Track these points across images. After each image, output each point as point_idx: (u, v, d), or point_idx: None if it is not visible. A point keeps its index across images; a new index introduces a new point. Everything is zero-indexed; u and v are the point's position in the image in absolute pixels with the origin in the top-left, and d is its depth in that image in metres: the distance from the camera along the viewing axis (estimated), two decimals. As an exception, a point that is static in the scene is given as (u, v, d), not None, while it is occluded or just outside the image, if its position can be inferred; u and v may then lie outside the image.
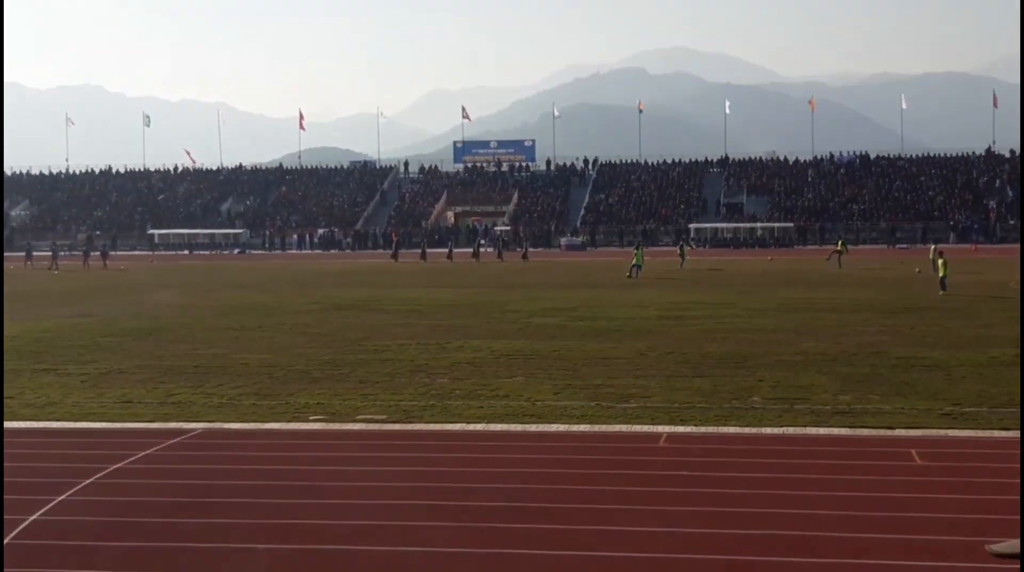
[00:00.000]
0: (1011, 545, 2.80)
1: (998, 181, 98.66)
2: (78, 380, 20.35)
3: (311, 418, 16.44)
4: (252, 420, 16.32)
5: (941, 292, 36.90)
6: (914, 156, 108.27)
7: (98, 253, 73.04)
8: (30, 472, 13.20)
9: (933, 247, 49.08)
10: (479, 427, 15.58)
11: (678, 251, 63.60)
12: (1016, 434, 14.60)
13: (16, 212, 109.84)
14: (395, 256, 73.10)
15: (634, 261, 51.25)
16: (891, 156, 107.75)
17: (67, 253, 76.26)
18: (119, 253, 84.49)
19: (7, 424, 16.25)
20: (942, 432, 14.78)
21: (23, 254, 74.53)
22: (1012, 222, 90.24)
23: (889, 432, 14.83)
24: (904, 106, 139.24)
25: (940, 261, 39.42)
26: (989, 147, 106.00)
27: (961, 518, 10.69)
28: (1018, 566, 2.81)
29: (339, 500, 11.90)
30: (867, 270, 52.38)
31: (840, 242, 63.77)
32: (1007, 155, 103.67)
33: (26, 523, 11.14)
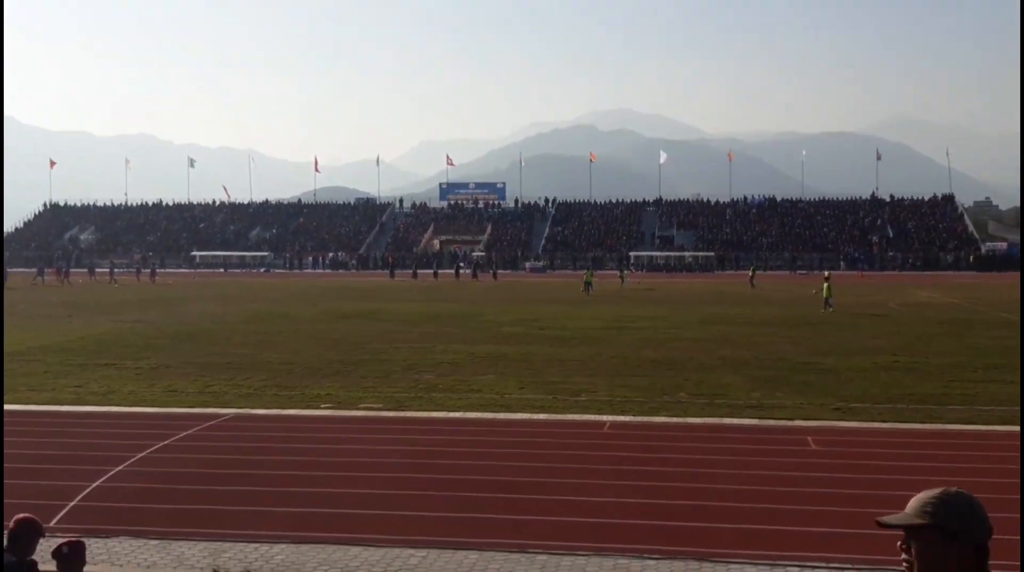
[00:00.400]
0: (899, 517, 2.73)
1: (879, 220, 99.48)
2: (133, 373, 20.30)
3: (322, 406, 16.42)
4: (274, 407, 16.31)
5: (824, 309, 37.04)
6: (812, 200, 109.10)
7: (148, 270, 72.58)
8: (94, 447, 13.26)
9: (826, 273, 49.47)
10: (457, 415, 15.59)
11: (619, 274, 63.96)
12: (893, 425, 14.72)
13: (84, 236, 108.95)
14: (392, 275, 73.12)
15: (586, 279, 51.69)
16: (793, 199, 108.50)
17: (124, 270, 75.52)
18: (166, 271, 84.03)
19: (78, 407, 16.22)
20: (833, 423, 14.87)
21: (87, 270, 74.15)
22: (891, 254, 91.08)
23: (790, 422, 14.91)
24: (804, 159, 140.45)
25: (825, 285, 39.72)
26: (873, 193, 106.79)
27: (847, 492, 10.76)
28: (896, 534, 2.77)
29: (343, 472, 11.93)
30: (774, 291, 52.70)
31: (752, 268, 64.42)
32: (887, 199, 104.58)
33: (89, 489, 11.14)
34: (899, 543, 2.70)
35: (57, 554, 6.07)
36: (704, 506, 10.30)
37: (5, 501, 9.80)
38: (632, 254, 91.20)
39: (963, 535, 2.64)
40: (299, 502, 10.60)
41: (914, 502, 2.74)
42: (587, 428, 14.59)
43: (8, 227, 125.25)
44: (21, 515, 6.07)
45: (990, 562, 2.68)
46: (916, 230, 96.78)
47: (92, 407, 16.36)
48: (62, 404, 16.60)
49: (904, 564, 2.71)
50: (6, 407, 16.34)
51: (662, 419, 15.22)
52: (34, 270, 69.87)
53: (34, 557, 6.12)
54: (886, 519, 2.74)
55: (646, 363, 21.71)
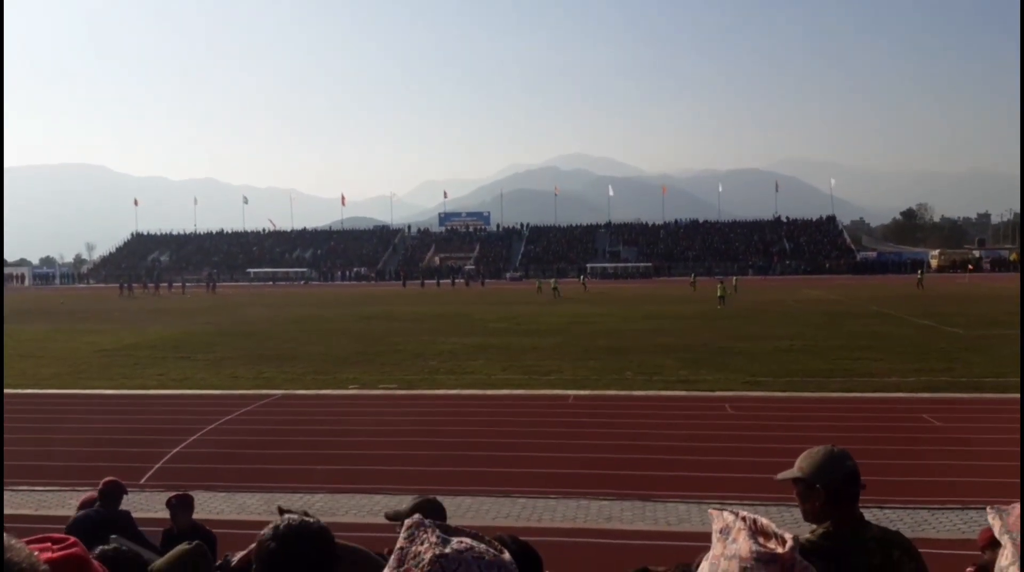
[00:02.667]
0: (785, 473, 2.76)
1: (778, 237, 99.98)
2: (203, 363, 20.16)
3: (350, 386, 16.34)
4: (313, 388, 16.21)
5: (718, 306, 37.18)
6: (726, 222, 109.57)
7: (211, 284, 72.11)
8: (173, 422, 13.14)
9: (720, 279, 49.59)
10: (455, 392, 15.54)
11: (580, 281, 63.89)
12: (791, 394, 14.79)
13: (162, 258, 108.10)
14: (404, 285, 72.86)
15: (552, 285, 51.93)
16: (712, 221, 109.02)
17: (194, 284, 74.92)
18: (227, 284, 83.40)
19: (161, 391, 16.08)
20: (745, 393, 14.93)
21: (167, 284, 73.84)
22: (787, 262, 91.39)
23: (711, 393, 14.95)
24: (720, 190, 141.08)
25: (720, 286, 40.13)
26: (774, 216, 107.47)
27: (756, 447, 10.82)
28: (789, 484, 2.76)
29: (367, 437, 11.86)
30: (698, 293, 52.88)
31: (693, 275, 63.48)
32: (784, 221, 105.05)
33: (171, 454, 11.05)
34: (795, 491, 2.77)
35: (168, 505, 6.05)
36: (646, 459, 10.33)
37: (106, 465, 9.74)
38: (588, 266, 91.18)
39: (821, 483, 2.70)
40: (333, 461, 10.56)
41: (798, 459, 2.81)
42: (555, 401, 14.58)
43: (103, 252, 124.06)
44: (107, 478, 6.03)
45: (859, 501, 2.71)
46: (807, 244, 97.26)
47: (172, 390, 16.26)
48: (148, 389, 16.48)
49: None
50: (108, 390, 16.26)
51: (613, 392, 15.25)
52: (121, 285, 69.36)
53: (124, 508, 6.06)
54: (779, 475, 2.81)
55: (600, 349, 21.72)
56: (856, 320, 29.85)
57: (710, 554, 1.23)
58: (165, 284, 74.75)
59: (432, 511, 3.75)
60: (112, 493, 5.87)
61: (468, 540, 1.25)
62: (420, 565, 1.19)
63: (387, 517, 3.80)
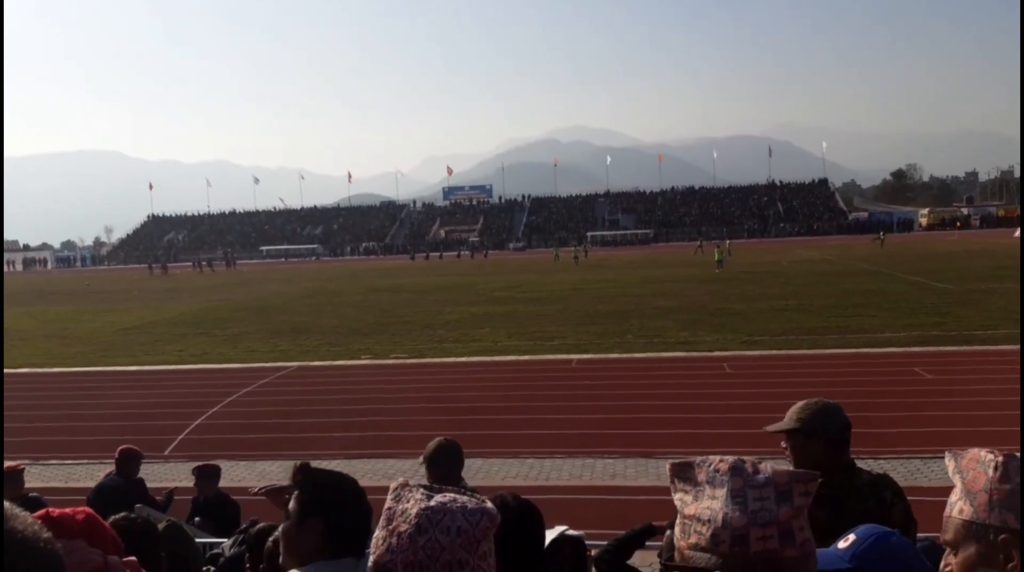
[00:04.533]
0: (777, 425, 2.76)
1: (772, 201, 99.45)
2: (221, 338, 20.21)
3: (363, 357, 16.36)
4: (327, 359, 16.25)
5: (716, 270, 36.98)
6: (722, 187, 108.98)
7: (226, 261, 72.18)
8: (195, 394, 13.22)
9: (717, 243, 49.46)
10: (463, 359, 15.56)
11: (582, 249, 63.86)
12: (786, 352, 14.77)
13: (178, 238, 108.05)
14: (412, 258, 72.79)
15: (576, 254, 52.08)
16: (708, 187, 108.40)
17: (208, 262, 74.87)
18: (243, 262, 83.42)
19: (181, 366, 16.14)
20: (742, 353, 14.91)
21: (183, 263, 73.88)
22: (781, 225, 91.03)
23: (710, 353, 14.94)
24: (715, 157, 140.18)
25: (717, 250, 40.00)
26: (767, 180, 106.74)
27: (753, 403, 10.82)
28: (781, 439, 2.76)
29: (380, 405, 11.90)
30: (698, 258, 52.75)
31: (700, 242, 61.97)
32: (777, 185, 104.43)
33: (193, 425, 11.12)
34: (781, 443, 2.79)
35: (194, 474, 6.08)
36: (649, 418, 10.35)
37: (131, 437, 9.80)
38: (589, 234, 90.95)
39: (819, 432, 2.73)
40: (349, 428, 10.61)
41: (789, 412, 2.83)
42: (559, 365, 14.59)
43: (121, 234, 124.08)
44: (123, 446, 6.04)
45: (850, 449, 2.77)
46: (800, 207, 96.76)
47: (192, 365, 16.31)
48: (169, 364, 16.55)
49: (788, 457, 2.78)
50: (131, 367, 16.33)
51: (615, 355, 15.25)
52: (144, 266, 69.49)
53: (141, 476, 6.07)
54: (769, 427, 2.81)
55: (601, 314, 21.70)
56: (849, 279, 29.75)
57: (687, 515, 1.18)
58: (190, 263, 74.91)
59: (448, 452, 3.85)
60: (127, 460, 5.88)
61: (452, 493, 1.27)
62: (407, 519, 1.22)
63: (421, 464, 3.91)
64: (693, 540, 1.14)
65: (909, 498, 2.85)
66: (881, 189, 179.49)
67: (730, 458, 1.18)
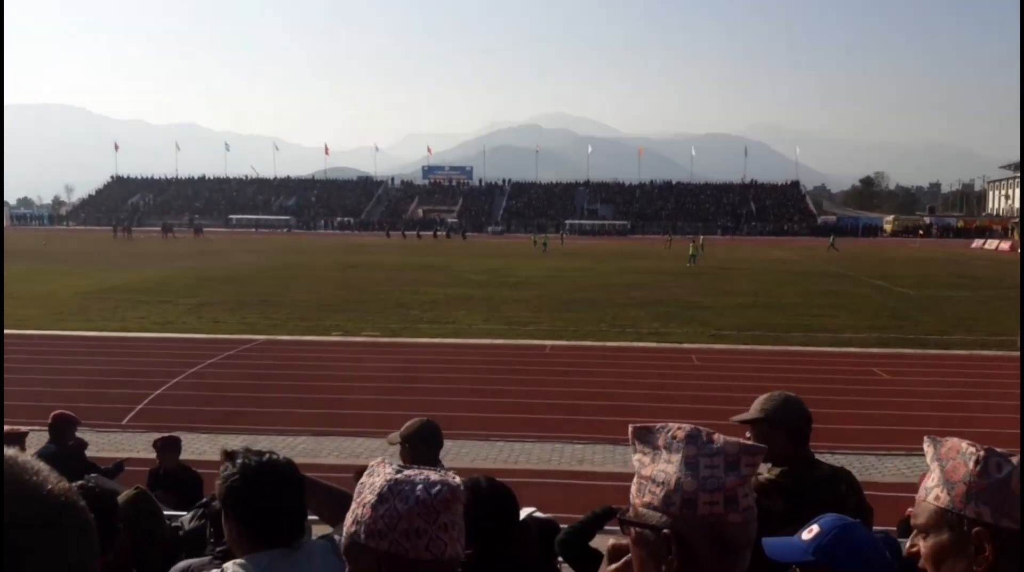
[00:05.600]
0: (742, 415, 2.81)
1: (746, 199, 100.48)
2: (185, 308, 19.90)
3: (333, 333, 16.30)
4: (296, 334, 16.14)
5: (688, 264, 37.06)
6: (698, 183, 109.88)
7: (193, 228, 71.00)
8: (156, 364, 12.96)
9: (692, 238, 49.84)
10: (437, 340, 15.59)
11: (559, 236, 63.96)
12: (752, 347, 15.08)
13: (143, 201, 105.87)
14: (388, 235, 72.15)
15: (543, 241, 51.97)
16: (685, 183, 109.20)
17: (177, 229, 73.35)
18: (209, 230, 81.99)
19: (143, 334, 15.87)
20: (710, 345, 15.19)
21: (150, 228, 72.25)
22: (753, 223, 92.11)
23: (680, 345, 15.19)
24: (693, 153, 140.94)
25: (692, 245, 40.37)
26: (742, 179, 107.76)
27: (719, 395, 11.07)
28: (746, 430, 2.80)
29: (349, 383, 11.89)
30: (672, 251, 53.18)
31: (670, 236, 62.22)
32: (752, 185, 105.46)
33: (153, 396, 11.01)
34: (746, 433, 2.88)
35: (155, 446, 6.03)
36: (618, 405, 10.54)
37: (87, 405, 9.70)
38: (568, 222, 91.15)
39: (781, 422, 2.85)
40: (316, 405, 10.60)
41: (754, 403, 2.94)
42: (534, 350, 14.74)
43: (82, 194, 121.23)
44: (56, 411, 5.90)
45: (810, 442, 2.89)
46: (772, 207, 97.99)
47: (154, 333, 16.04)
48: (130, 331, 16.22)
49: None
50: (89, 333, 16.06)
51: (588, 343, 15.43)
52: (109, 228, 68.08)
53: (77, 441, 5.85)
54: (735, 418, 2.93)
55: (577, 302, 21.86)
56: (815, 280, 30.33)
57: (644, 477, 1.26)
58: (148, 229, 73.33)
59: (430, 432, 3.92)
60: (60, 426, 5.75)
61: (421, 469, 1.31)
62: (373, 491, 1.26)
63: (389, 442, 3.95)
64: (647, 499, 1.21)
65: (864, 492, 3.00)
66: (850, 194, 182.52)
67: (687, 426, 1.25)
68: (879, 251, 53.26)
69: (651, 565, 1.20)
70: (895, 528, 5.07)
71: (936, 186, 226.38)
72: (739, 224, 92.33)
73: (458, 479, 1.30)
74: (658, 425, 1.28)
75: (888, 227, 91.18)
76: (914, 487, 5.17)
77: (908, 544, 1.40)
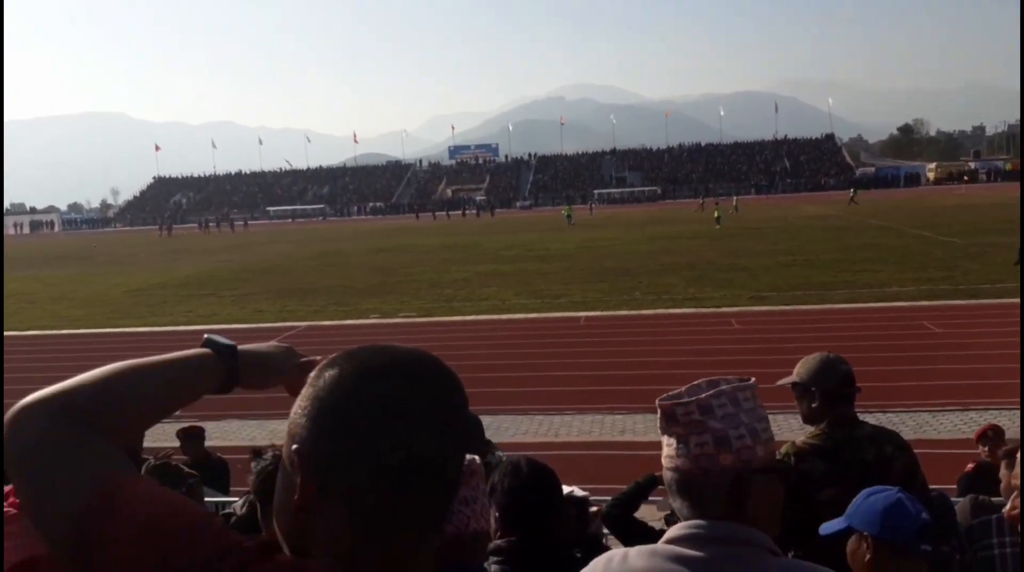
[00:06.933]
0: (784, 380, 2.81)
1: (779, 157, 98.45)
2: (229, 300, 20.16)
3: (370, 316, 16.36)
4: (335, 319, 16.23)
5: (715, 226, 36.55)
6: (728, 143, 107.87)
7: (229, 223, 72.04)
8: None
9: (716, 200, 49.05)
10: (471, 317, 15.55)
11: (587, 207, 63.41)
12: (794, 307, 14.69)
13: (184, 200, 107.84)
14: (416, 217, 72.43)
15: (566, 213, 50.99)
16: (714, 144, 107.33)
17: (215, 224, 74.56)
18: (250, 223, 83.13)
19: (189, 327, 16.06)
20: (750, 308, 14.85)
21: (191, 225, 73.61)
22: (788, 181, 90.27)
23: (718, 309, 14.88)
24: (722, 113, 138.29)
25: (716, 207, 39.78)
26: (774, 136, 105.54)
27: (761, 358, 10.77)
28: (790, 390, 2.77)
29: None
30: (705, 214, 52.36)
31: (702, 198, 61.42)
32: (784, 141, 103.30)
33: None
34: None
35: (178, 436, 6.00)
36: (657, 374, 10.32)
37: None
38: (596, 192, 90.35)
39: (816, 385, 2.73)
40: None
41: (796, 366, 2.85)
42: (568, 322, 14.55)
43: (127, 197, 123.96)
44: None
45: (855, 403, 2.77)
46: (806, 162, 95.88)
47: (200, 326, 16.23)
48: (177, 325, 16.52)
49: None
50: (139, 329, 16.34)
51: (623, 312, 15.20)
52: (154, 227, 69.46)
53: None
54: (778, 382, 2.86)
55: (609, 272, 21.60)
56: (856, 234, 29.53)
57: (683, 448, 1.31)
58: (189, 225, 74.68)
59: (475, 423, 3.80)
60: None
61: None
62: None
63: None
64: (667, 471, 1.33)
65: (917, 451, 2.82)
66: (888, 144, 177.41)
67: (704, 396, 1.31)
68: (922, 201, 51.67)
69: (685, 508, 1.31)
70: (955, 486, 4.79)
71: (980, 129, 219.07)
72: (773, 182, 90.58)
73: (475, 457, 1.32)
74: (683, 394, 1.35)
75: (931, 175, 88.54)
76: (970, 443, 4.91)
77: (1009, 506, 1.48)
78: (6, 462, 0.80)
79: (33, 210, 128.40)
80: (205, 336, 1.10)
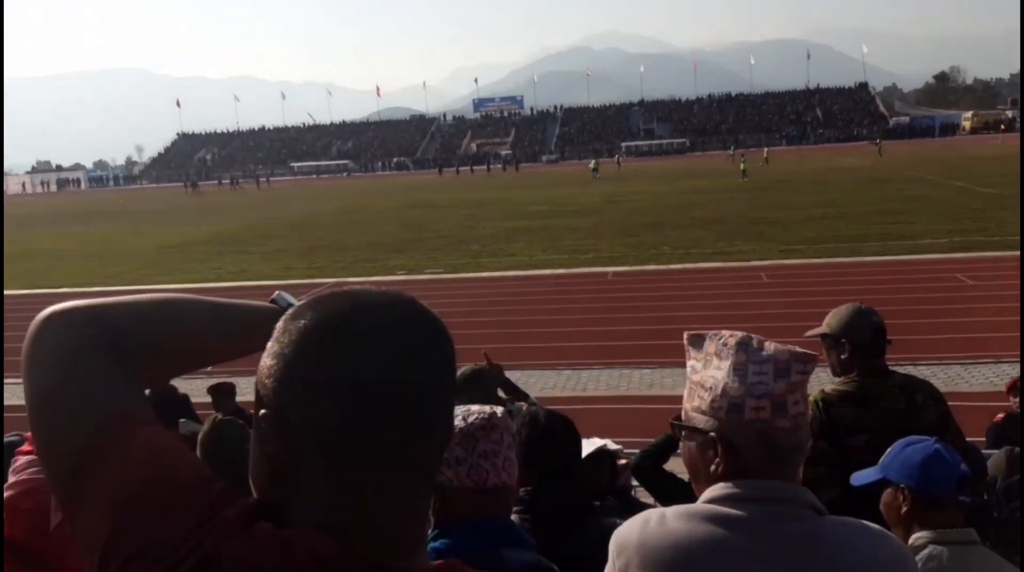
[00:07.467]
0: (813, 330, 2.82)
1: (811, 107, 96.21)
2: (257, 256, 20.38)
3: (398, 273, 16.45)
4: (362, 275, 16.31)
5: (741, 179, 35.86)
6: (759, 93, 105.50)
7: (263, 179, 72.34)
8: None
9: (742, 152, 48.12)
10: (498, 274, 15.58)
11: (614, 160, 62.71)
12: (825, 260, 14.56)
13: (207, 157, 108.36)
14: (440, 173, 72.07)
15: (592, 166, 50.53)
16: (745, 94, 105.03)
17: (240, 181, 74.87)
18: (274, 179, 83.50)
19: (220, 283, 16.30)
20: (780, 262, 14.74)
21: (214, 182, 74.11)
22: (820, 131, 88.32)
23: (747, 263, 14.80)
24: (753, 62, 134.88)
25: (742, 160, 39.06)
26: (806, 86, 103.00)
27: (790, 312, 10.73)
28: (819, 342, 2.76)
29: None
30: (733, 166, 51.56)
31: (733, 149, 60.56)
32: (817, 90, 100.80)
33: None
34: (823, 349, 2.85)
35: (209, 392, 6.14)
36: (686, 328, 10.26)
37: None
38: (623, 145, 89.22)
39: (844, 337, 2.75)
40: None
41: (826, 317, 2.87)
42: (595, 278, 14.54)
43: (151, 153, 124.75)
44: None
45: (888, 355, 2.78)
46: (839, 112, 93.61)
47: (230, 283, 16.48)
48: (207, 282, 16.73)
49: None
50: (169, 285, 16.63)
51: (651, 267, 15.17)
52: (180, 184, 70.01)
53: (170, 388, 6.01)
54: (807, 333, 2.88)
55: (637, 226, 21.48)
56: (889, 185, 28.98)
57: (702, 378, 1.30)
58: (213, 182, 75.16)
59: (471, 380, 3.82)
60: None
61: (477, 405, 1.36)
62: None
63: None
64: (696, 404, 1.26)
65: (949, 404, 2.81)
66: (923, 92, 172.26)
67: (739, 333, 1.29)
68: (957, 151, 50.40)
69: (700, 469, 1.25)
70: (983, 438, 4.83)
71: (1018, 76, 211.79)
72: (805, 133, 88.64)
73: (500, 410, 1.32)
74: (711, 333, 1.34)
75: (967, 124, 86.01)
76: (1003, 396, 4.91)
77: None
78: (22, 370, 0.74)
79: (59, 168, 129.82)
80: (276, 293, 1.06)
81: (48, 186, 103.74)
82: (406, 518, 0.73)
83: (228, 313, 0.93)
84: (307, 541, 0.67)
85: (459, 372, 3.77)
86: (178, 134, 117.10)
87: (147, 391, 0.86)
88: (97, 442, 0.70)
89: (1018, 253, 13.90)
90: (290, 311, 0.77)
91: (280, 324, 0.76)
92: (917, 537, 1.86)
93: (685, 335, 1.37)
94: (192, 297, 0.90)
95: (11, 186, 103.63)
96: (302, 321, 0.74)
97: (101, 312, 0.78)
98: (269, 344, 0.75)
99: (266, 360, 0.75)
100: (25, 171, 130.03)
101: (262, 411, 0.73)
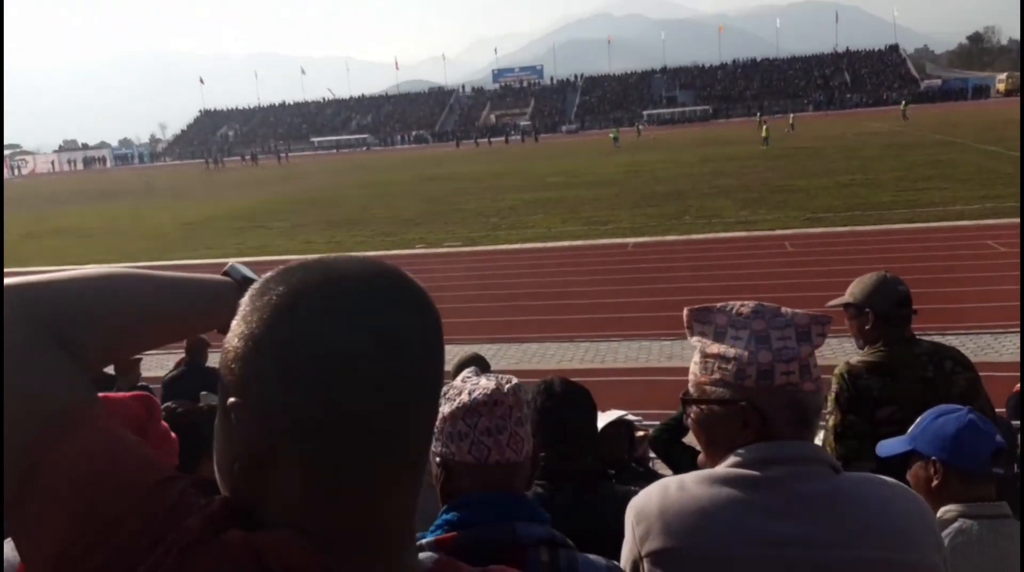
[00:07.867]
0: (836, 300, 2.77)
1: (840, 70, 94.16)
2: (278, 231, 20.51)
3: (417, 246, 16.47)
4: (381, 249, 16.37)
5: (763, 146, 35.28)
6: (785, 58, 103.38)
7: (283, 155, 72.58)
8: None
9: (764, 119, 47.26)
10: (517, 246, 15.50)
11: (635, 129, 61.99)
12: (851, 228, 14.28)
13: (229, 133, 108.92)
14: (457, 146, 71.75)
15: (613, 136, 50.08)
16: (771, 59, 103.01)
17: (261, 156, 75.23)
18: (293, 154, 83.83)
19: (241, 258, 16.45)
20: (805, 230, 14.51)
21: (237, 158, 74.49)
22: (848, 96, 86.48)
23: (771, 232, 14.57)
24: (779, 26, 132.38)
25: (764, 127, 38.35)
26: (834, 49, 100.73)
27: (815, 281, 10.56)
28: (842, 311, 2.74)
29: (434, 293, 11.86)
30: (756, 133, 50.75)
31: (759, 116, 59.97)
32: (845, 53, 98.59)
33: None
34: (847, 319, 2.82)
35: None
36: (707, 299, 10.13)
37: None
38: (645, 113, 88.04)
39: (869, 306, 2.69)
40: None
41: (850, 286, 2.81)
42: (615, 249, 14.42)
43: (175, 130, 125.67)
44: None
45: (914, 324, 2.71)
46: (868, 75, 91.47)
47: (251, 258, 16.57)
48: (229, 257, 16.84)
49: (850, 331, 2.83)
50: (192, 261, 16.77)
51: (672, 237, 14.99)
52: (202, 160, 70.51)
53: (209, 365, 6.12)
54: (830, 302, 2.82)
55: (658, 196, 21.23)
56: (919, 150, 28.32)
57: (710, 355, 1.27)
58: (236, 158, 75.55)
59: (477, 363, 3.82)
60: (196, 349, 5.94)
61: (485, 376, 1.34)
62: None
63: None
64: (717, 376, 1.25)
65: (979, 374, 2.72)
66: (956, 54, 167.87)
67: (751, 303, 1.29)
68: (990, 114, 49.07)
69: (722, 440, 1.24)
70: (1004, 409, 4.68)
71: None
72: (832, 97, 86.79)
73: (510, 384, 1.29)
74: (718, 305, 1.32)
75: (1001, 87, 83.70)
76: (1029, 364, 4.66)
77: None
78: None
79: (85, 146, 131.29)
80: (229, 263, 0.96)
81: (75, 165, 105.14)
82: (392, 515, 0.67)
83: (183, 290, 0.84)
84: (281, 549, 0.61)
85: (461, 359, 3.74)
86: (200, 111, 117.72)
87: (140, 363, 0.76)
88: (36, 449, 0.63)
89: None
90: (256, 286, 0.69)
91: (246, 301, 0.68)
92: (946, 510, 1.80)
93: (685, 311, 1.34)
94: (138, 272, 0.80)
95: (39, 165, 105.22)
96: (271, 296, 0.66)
97: (38, 293, 0.70)
98: (234, 323, 0.67)
99: (232, 341, 0.67)
100: (52, 150, 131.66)
101: (230, 399, 0.65)
